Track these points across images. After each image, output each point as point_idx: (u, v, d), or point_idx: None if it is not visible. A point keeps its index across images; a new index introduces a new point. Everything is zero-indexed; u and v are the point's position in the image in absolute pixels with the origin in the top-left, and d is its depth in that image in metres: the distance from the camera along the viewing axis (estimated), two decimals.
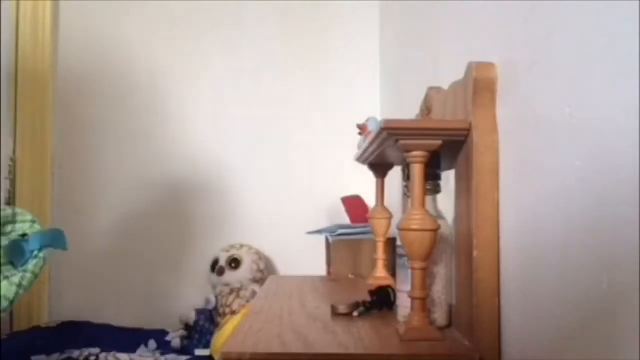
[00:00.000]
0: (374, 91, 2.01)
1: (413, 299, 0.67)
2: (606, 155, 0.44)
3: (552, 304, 0.53)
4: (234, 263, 1.90)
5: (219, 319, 1.81)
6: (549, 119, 0.54)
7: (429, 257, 0.67)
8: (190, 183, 2.06)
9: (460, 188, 0.72)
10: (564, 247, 0.51)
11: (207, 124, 2.07)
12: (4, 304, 0.81)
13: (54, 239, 0.88)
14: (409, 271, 0.67)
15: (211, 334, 1.74)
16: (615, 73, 0.43)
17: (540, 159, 0.56)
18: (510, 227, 0.63)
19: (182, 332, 1.82)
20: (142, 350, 1.72)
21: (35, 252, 0.85)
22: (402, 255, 0.73)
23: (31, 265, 0.85)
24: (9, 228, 0.88)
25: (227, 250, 1.95)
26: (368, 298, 0.82)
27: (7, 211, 0.89)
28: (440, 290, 0.73)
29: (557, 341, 0.52)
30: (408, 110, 1.14)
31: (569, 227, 0.50)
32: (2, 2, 1.88)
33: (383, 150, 0.78)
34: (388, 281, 0.96)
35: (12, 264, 0.85)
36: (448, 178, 0.78)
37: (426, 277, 0.67)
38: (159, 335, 1.81)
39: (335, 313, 0.80)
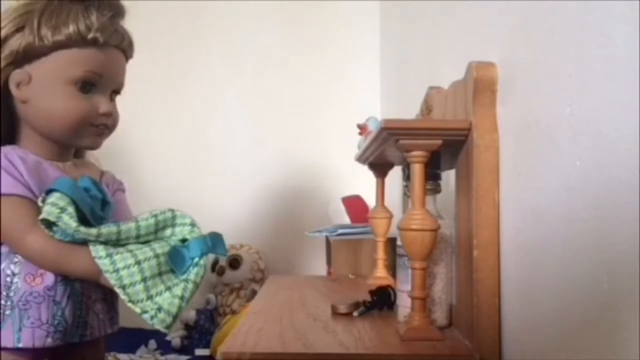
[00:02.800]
0: (374, 91, 2.01)
1: (413, 298, 0.67)
2: (606, 155, 0.44)
3: (552, 303, 0.53)
4: (234, 263, 1.90)
5: (219, 319, 1.81)
6: (549, 118, 0.54)
7: (429, 256, 0.67)
8: (189, 183, 2.06)
9: (460, 188, 0.72)
10: (564, 246, 0.51)
11: (206, 122, 2.07)
12: (168, 319, 0.74)
13: (214, 245, 0.80)
14: (409, 271, 0.67)
15: (211, 334, 1.73)
16: (615, 73, 0.43)
17: (540, 158, 0.56)
18: (510, 226, 0.63)
19: (182, 332, 1.82)
20: (142, 350, 1.71)
21: (196, 259, 0.78)
22: (402, 255, 0.73)
23: (192, 274, 0.77)
24: (168, 232, 0.81)
25: (227, 250, 1.95)
26: (368, 298, 0.82)
27: (167, 214, 0.81)
28: (440, 290, 0.73)
29: (557, 341, 0.52)
30: (408, 110, 1.14)
31: (569, 227, 0.50)
32: (2, 3, 1.88)
33: (383, 150, 0.78)
34: (388, 281, 0.96)
35: (173, 271, 0.77)
36: (448, 178, 0.78)
37: (426, 277, 0.67)
38: (159, 335, 1.80)
39: (335, 313, 0.80)
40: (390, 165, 1.04)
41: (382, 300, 0.81)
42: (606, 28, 0.45)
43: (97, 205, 0.80)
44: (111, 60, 0.83)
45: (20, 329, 0.75)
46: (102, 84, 0.82)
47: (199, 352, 1.70)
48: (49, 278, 0.77)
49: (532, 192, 0.58)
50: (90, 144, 0.86)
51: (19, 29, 0.80)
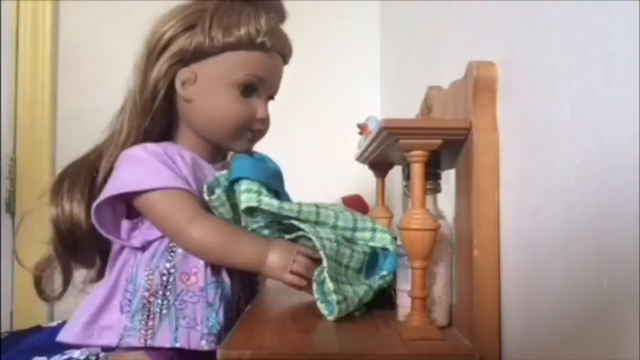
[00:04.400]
0: (374, 91, 2.01)
1: (413, 298, 0.67)
2: (606, 154, 0.44)
3: (552, 303, 0.53)
4: None
5: None
6: (549, 117, 0.54)
7: (429, 256, 0.67)
8: None
9: (460, 187, 0.72)
10: (565, 246, 0.51)
11: None
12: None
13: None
14: (409, 270, 0.67)
15: None
16: (615, 72, 0.43)
17: (541, 157, 0.56)
18: (510, 226, 0.63)
19: None
20: None
21: (384, 273, 0.75)
22: (402, 255, 0.73)
23: (376, 285, 0.76)
24: (367, 234, 0.79)
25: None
26: None
27: (367, 223, 0.79)
28: (440, 290, 0.72)
29: (557, 341, 0.52)
30: (408, 110, 1.14)
31: (570, 227, 0.50)
32: (2, 2, 1.88)
33: (383, 149, 0.78)
34: None
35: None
36: (448, 177, 0.78)
37: (426, 277, 0.67)
38: None
39: None
40: (390, 165, 1.04)
41: (382, 300, 0.81)
42: (606, 28, 0.45)
43: (276, 179, 0.78)
44: (274, 65, 0.84)
45: (177, 329, 0.74)
46: (262, 88, 0.83)
47: None
48: (201, 278, 0.76)
49: (533, 191, 0.58)
50: (243, 148, 0.87)
51: (189, 28, 0.79)
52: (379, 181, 1.05)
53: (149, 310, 0.74)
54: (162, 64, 0.80)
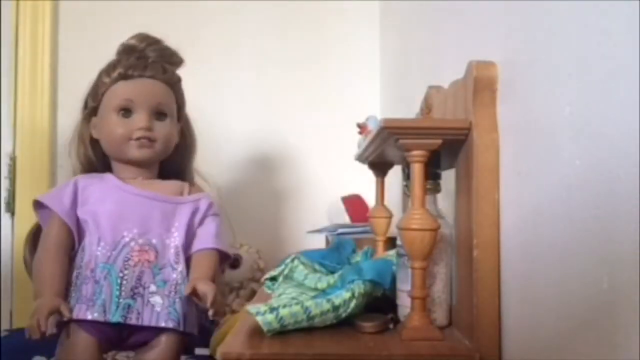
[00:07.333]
0: (374, 90, 2.01)
1: (413, 298, 0.67)
2: (606, 155, 0.44)
3: (552, 303, 0.53)
4: (234, 262, 1.90)
5: None
6: (549, 118, 0.54)
7: (429, 256, 0.67)
8: None
9: (460, 187, 0.72)
10: (564, 246, 0.51)
11: (205, 122, 2.07)
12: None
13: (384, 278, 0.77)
14: (409, 271, 0.67)
15: (211, 333, 1.73)
16: (615, 73, 0.43)
17: (541, 158, 0.56)
18: (510, 226, 0.63)
19: None
20: None
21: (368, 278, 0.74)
22: (402, 255, 0.73)
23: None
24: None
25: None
26: None
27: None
28: (440, 290, 0.72)
29: (557, 341, 0.52)
30: (408, 109, 1.14)
31: (569, 226, 0.50)
32: (2, 2, 1.88)
33: (383, 149, 0.78)
34: None
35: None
36: (448, 177, 0.78)
37: (426, 277, 0.67)
38: None
39: (362, 332, 0.70)
40: (390, 165, 1.03)
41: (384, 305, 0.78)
42: (606, 28, 0.45)
43: None
44: (141, 87, 1.04)
45: (74, 304, 0.93)
46: (136, 107, 1.03)
47: (199, 351, 1.70)
48: (93, 262, 0.95)
49: (532, 192, 0.58)
50: (136, 156, 1.03)
51: (92, 89, 1.09)
52: (379, 181, 1.05)
53: (66, 294, 0.96)
54: (85, 114, 1.09)
